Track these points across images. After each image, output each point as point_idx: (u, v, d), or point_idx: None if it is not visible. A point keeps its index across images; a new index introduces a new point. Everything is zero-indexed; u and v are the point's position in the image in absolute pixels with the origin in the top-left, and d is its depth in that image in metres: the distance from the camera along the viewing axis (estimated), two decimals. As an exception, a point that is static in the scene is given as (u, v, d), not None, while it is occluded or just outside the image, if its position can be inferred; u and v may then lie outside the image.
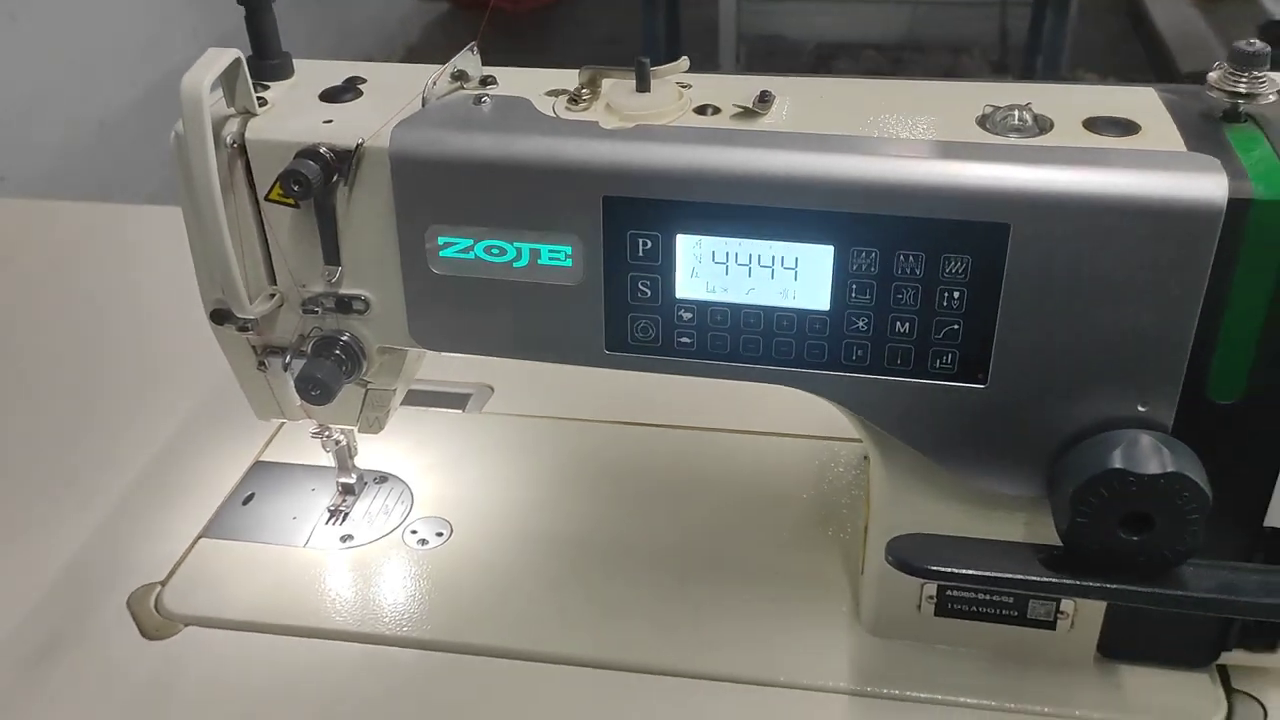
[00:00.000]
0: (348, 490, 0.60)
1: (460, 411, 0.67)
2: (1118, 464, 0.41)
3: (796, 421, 0.62)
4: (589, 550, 0.56)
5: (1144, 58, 2.90)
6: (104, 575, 0.55)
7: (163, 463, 0.63)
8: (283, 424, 0.64)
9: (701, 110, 0.45)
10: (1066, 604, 0.49)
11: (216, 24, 2.27)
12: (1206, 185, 0.39)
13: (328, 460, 0.60)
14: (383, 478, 0.61)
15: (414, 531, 0.58)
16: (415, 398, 0.66)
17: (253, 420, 0.63)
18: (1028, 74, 2.55)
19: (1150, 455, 0.41)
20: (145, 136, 2.10)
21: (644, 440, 0.64)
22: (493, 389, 0.69)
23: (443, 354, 0.58)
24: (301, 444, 0.63)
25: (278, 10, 0.47)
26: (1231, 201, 0.39)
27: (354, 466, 0.60)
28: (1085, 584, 0.43)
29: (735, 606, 0.53)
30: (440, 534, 0.58)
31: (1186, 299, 0.40)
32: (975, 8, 2.70)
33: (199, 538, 0.57)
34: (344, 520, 0.58)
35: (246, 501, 0.60)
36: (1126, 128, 0.43)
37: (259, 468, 0.62)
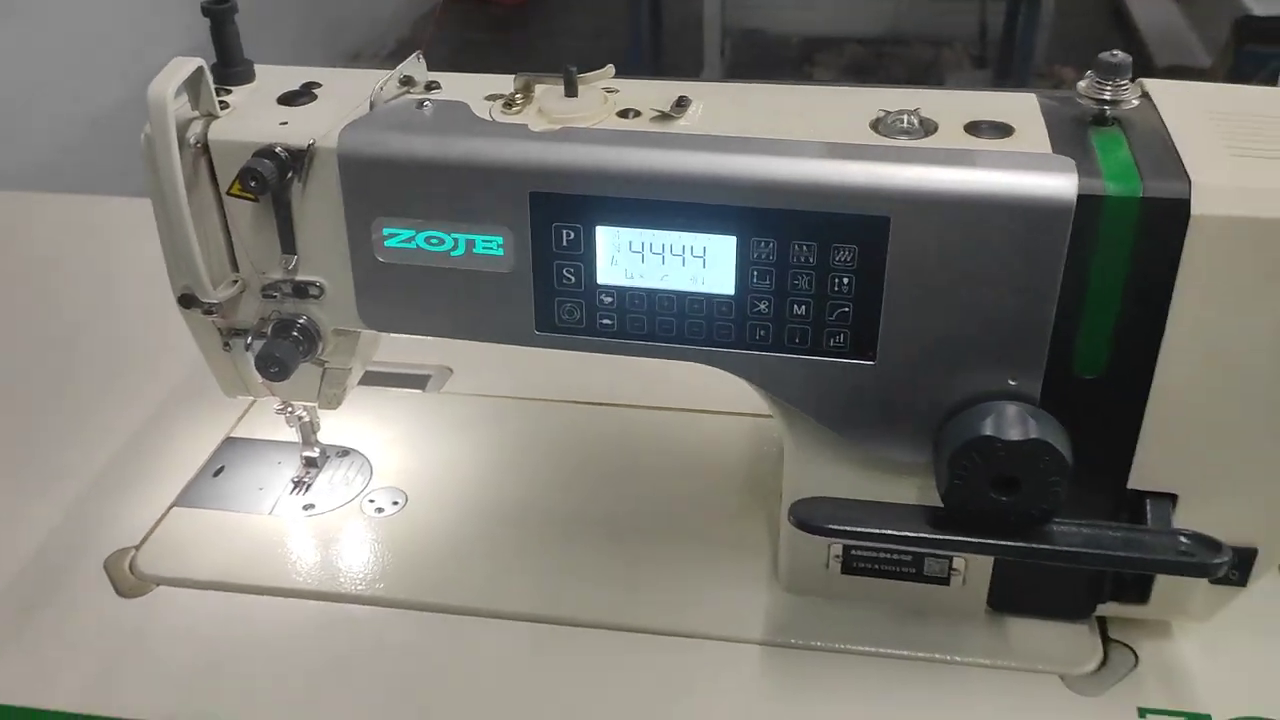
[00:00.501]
0: (311, 463, 0.64)
1: (420, 391, 0.72)
2: (987, 431, 0.46)
3: (731, 400, 0.67)
4: (533, 518, 0.61)
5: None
6: (83, 540, 0.60)
7: (140, 439, 0.68)
8: (253, 403, 0.69)
9: (624, 114, 0.49)
10: (958, 562, 0.53)
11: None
12: (1059, 183, 0.43)
13: (293, 436, 0.65)
14: (344, 451, 0.66)
15: (372, 500, 0.62)
16: (378, 378, 0.71)
17: (224, 400, 0.68)
18: (1005, 68, 2.60)
19: (1015, 423, 0.46)
20: (136, 134, 2.14)
21: (590, 418, 0.69)
22: (451, 370, 0.73)
23: (404, 337, 0.63)
24: (269, 421, 0.67)
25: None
26: (1083, 198, 0.43)
27: (317, 441, 0.64)
28: (961, 540, 0.48)
29: (665, 568, 0.58)
30: (396, 503, 0.62)
31: (1045, 285, 0.45)
32: (956, 3, 2.74)
33: (172, 506, 0.62)
34: (307, 490, 0.63)
35: (217, 474, 0.64)
36: (1002, 130, 0.47)
37: (229, 443, 0.67)
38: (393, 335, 0.60)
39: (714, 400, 0.68)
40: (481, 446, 0.66)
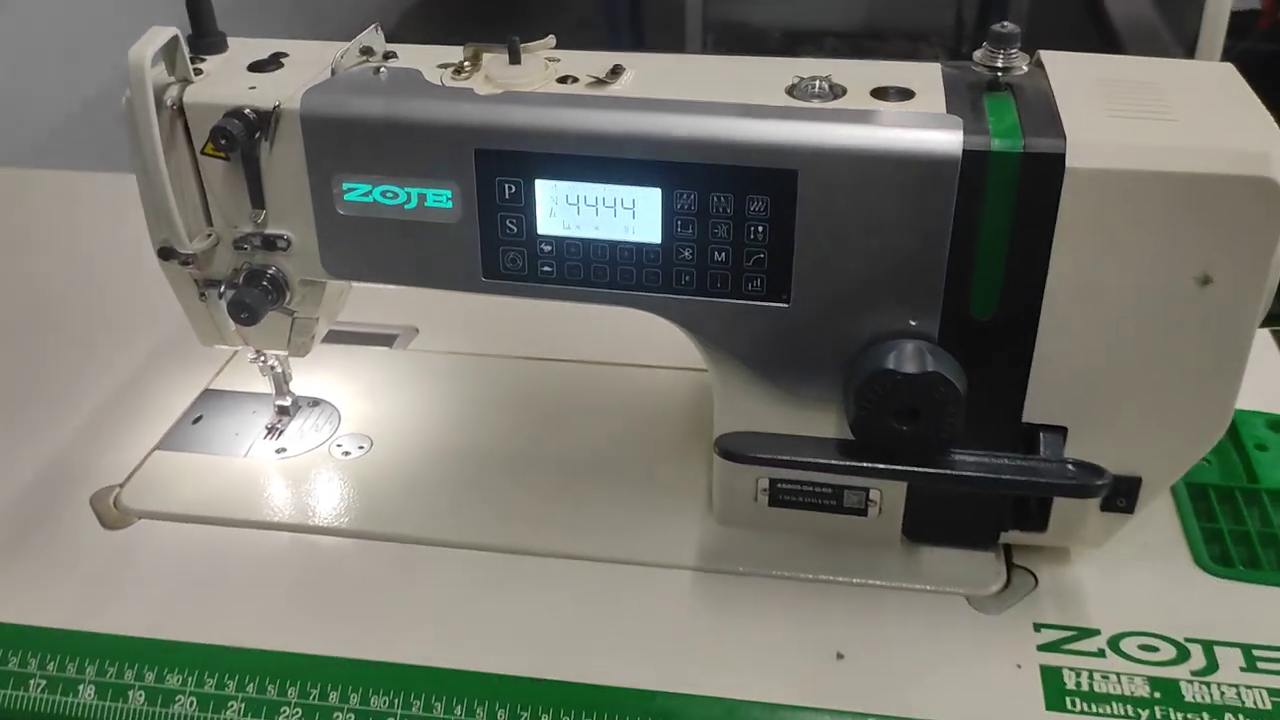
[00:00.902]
0: (283, 411, 0.69)
1: (388, 349, 0.76)
2: (888, 365, 0.50)
3: (671, 356, 0.72)
4: (489, 460, 0.66)
5: (1098, 45, 3.00)
6: (70, 479, 0.65)
7: (124, 390, 0.72)
8: (230, 358, 0.73)
9: (563, 80, 0.54)
10: (874, 494, 0.58)
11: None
12: (947, 139, 0.48)
13: (267, 387, 0.69)
14: (314, 402, 0.70)
15: (339, 445, 0.67)
16: (347, 337, 0.76)
17: (203, 355, 0.73)
18: (982, 61, 2.64)
19: (913, 359, 0.50)
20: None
21: (544, 372, 0.73)
22: (418, 330, 0.78)
23: (375, 299, 0.67)
24: (244, 376, 0.72)
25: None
26: (969, 153, 0.48)
27: (289, 391, 0.69)
28: (868, 466, 0.52)
29: (608, 503, 0.62)
30: (362, 447, 0.67)
31: (938, 232, 0.49)
32: (933, -4, 2.79)
33: (153, 450, 0.67)
34: (279, 436, 0.68)
35: (195, 422, 0.69)
36: (905, 95, 0.52)
37: (207, 395, 0.71)
38: (360, 292, 0.65)
39: (656, 356, 0.73)
40: (442, 398, 0.71)
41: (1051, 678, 0.52)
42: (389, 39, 0.58)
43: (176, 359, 0.75)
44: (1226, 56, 2.20)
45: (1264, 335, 0.76)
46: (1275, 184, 0.46)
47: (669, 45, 2.70)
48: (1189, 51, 2.57)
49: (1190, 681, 0.52)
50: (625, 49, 0.55)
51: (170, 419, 0.69)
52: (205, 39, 0.57)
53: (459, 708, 0.52)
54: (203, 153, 0.55)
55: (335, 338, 0.73)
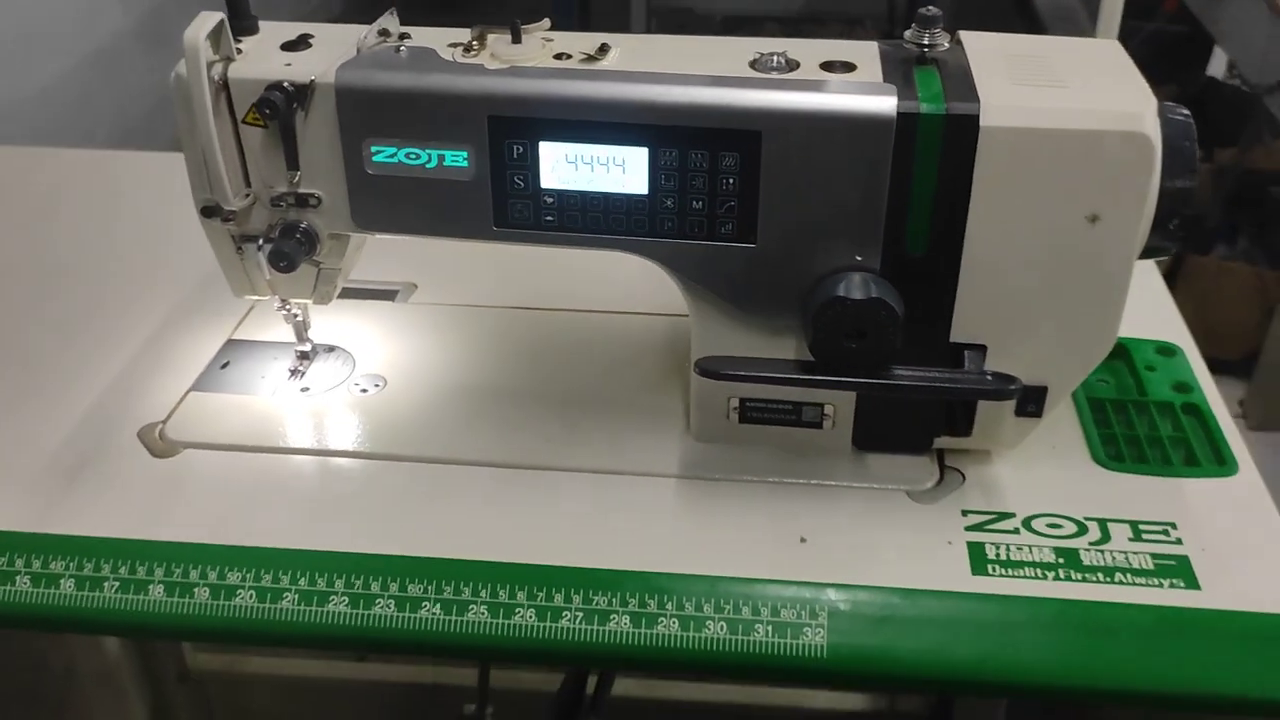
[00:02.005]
0: (303, 357, 0.77)
1: (391, 302, 0.85)
2: (839, 293, 0.61)
3: (654, 304, 0.81)
4: (492, 393, 0.75)
5: (1021, 28, 3.15)
6: (117, 418, 0.72)
7: (156, 341, 0.80)
8: (249, 310, 0.81)
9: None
10: (829, 408, 0.68)
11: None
12: (884, 104, 0.58)
13: (286, 336, 0.77)
14: (331, 348, 0.78)
15: (357, 384, 0.75)
16: (355, 293, 0.84)
17: (224, 309, 0.81)
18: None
19: (860, 287, 0.61)
20: (76, 105, 2.22)
21: (537, 319, 0.82)
22: (416, 285, 0.86)
23: (378, 258, 0.76)
24: (264, 326, 0.80)
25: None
26: (902, 115, 0.58)
27: (308, 338, 0.77)
28: (824, 379, 0.63)
29: (599, 424, 0.72)
30: (377, 385, 0.75)
31: (878, 182, 0.59)
32: (867, -17, 2.91)
33: (189, 391, 0.74)
34: (302, 378, 0.76)
35: (224, 367, 0.77)
36: (848, 67, 0.62)
37: (231, 344, 0.79)
38: (367, 257, 0.73)
39: (635, 304, 0.82)
40: (446, 343, 0.80)
41: (975, 551, 0.63)
42: (338, 22, 0.66)
43: (196, 314, 0.82)
44: (1137, 37, 2.36)
45: (1155, 275, 0.88)
46: (1147, 138, 0.57)
47: (613, 30, 2.79)
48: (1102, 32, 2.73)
49: (1088, 550, 0.63)
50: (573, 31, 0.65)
51: (200, 365, 0.77)
52: (242, 22, 0.65)
53: (484, 590, 0.61)
54: (244, 121, 0.63)
55: (343, 294, 0.81)
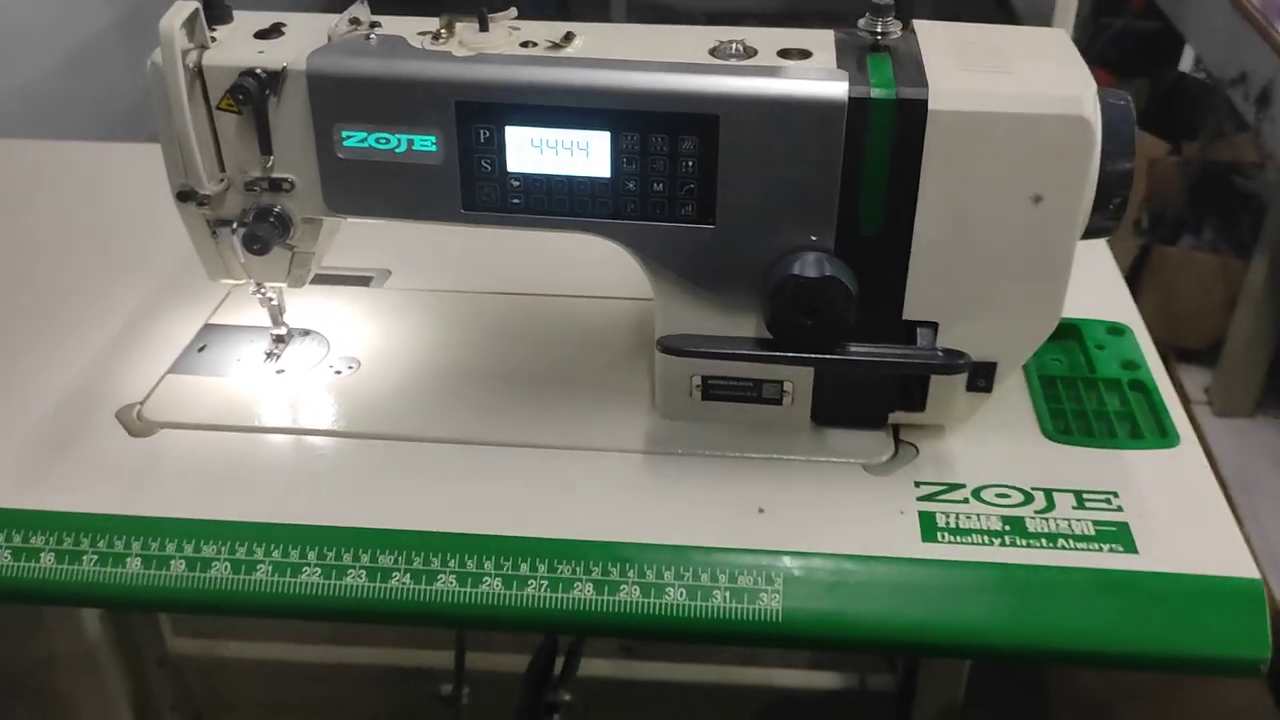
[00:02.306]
0: (279, 340, 0.79)
1: (366, 288, 0.87)
2: (794, 272, 0.63)
3: (621, 289, 0.83)
4: (463, 374, 0.77)
5: (1000, 18, 3.19)
6: (96, 398, 0.74)
7: (135, 324, 0.81)
8: (226, 295, 0.83)
9: (525, 44, 0.65)
10: (788, 385, 0.71)
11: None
12: (836, 88, 0.60)
13: (263, 320, 0.79)
14: (306, 331, 0.80)
15: (331, 366, 0.77)
16: (330, 279, 0.86)
17: (202, 295, 0.83)
18: (890, 41, 2.80)
19: (814, 266, 0.63)
20: (60, 101, 2.23)
21: (507, 303, 0.84)
22: (391, 271, 0.88)
23: (351, 242, 0.78)
24: (240, 311, 0.82)
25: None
26: (853, 99, 0.61)
27: (284, 322, 0.79)
28: (781, 355, 0.65)
29: (568, 403, 0.74)
30: (351, 367, 0.77)
31: (831, 164, 0.62)
32: (845, -21, 2.94)
33: (165, 374, 0.76)
34: (277, 360, 0.78)
35: (200, 350, 0.79)
36: (804, 54, 0.64)
37: (208, 328, 0.81)
38: (342, 243, 0.75)
39: (602, 289, 0.84)
40: (418, 327, 0.82)
41: (926, 519, 0.65)
42: (325, 9, 0.68)
43: (174, 299, 0.84)
44: (1106, 33, 2.40)
45: (1108, 258, 0.91)
46: (1087, 121, 0.60)
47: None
48: (1079, 27, 2.77)
49: (1033, 518, 0.66)
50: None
51: (177, 349, 0.79)
52: (214, 10, 0.66)
53: (453, 560, 0.63)
54: (218, 108, 0.65)
55: (319, 279, 0.83)
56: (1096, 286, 0.86)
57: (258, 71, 0.63)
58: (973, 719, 1.36)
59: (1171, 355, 1.77)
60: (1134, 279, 1.78)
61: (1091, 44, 2.51)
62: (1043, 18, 2.99)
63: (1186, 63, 2.20)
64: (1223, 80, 1.52)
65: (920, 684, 0.98)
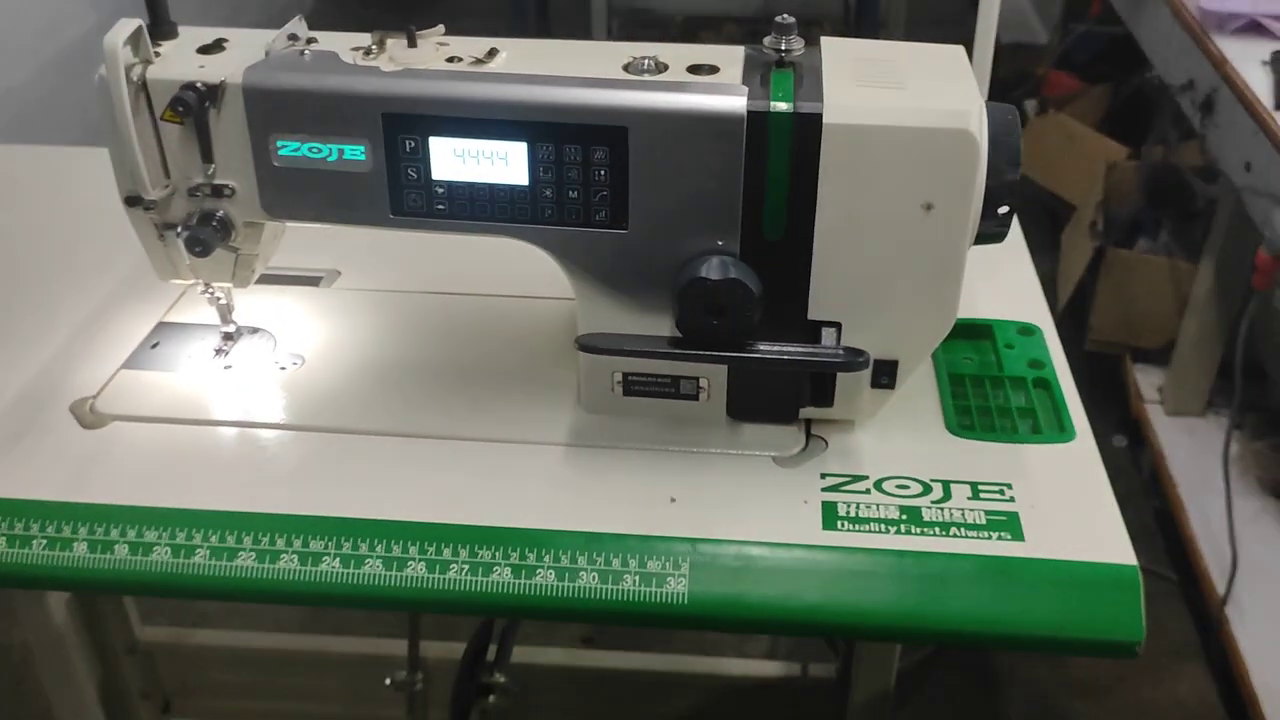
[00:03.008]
0: (228, 337, 0.83)
1: (315, 288, 0.91)
2: (700, 274, 0.67)
3: (549, 289, 0.87)
4: (401, 370, 0.81)
5: (971, 28, 3.23)
6: (50, 393, 0.78)
7: (88, 323, 0.85)
8: (180, 295, 0.87)
9: (450, 60, 0.69)
10: (703, 381, 0.75)
11: (113, 1, 2.43)
12: (735, 103, 0.64)
13: (213, 319, 0.83)
14: (254, 329, 0.84)
15: (277, 362, 0.81)
16: (280, 279, 0.90)
17: (156, 295, 0.87)
18: (867, 45, 2.85)
19: (719, 269, 0.67)
20: (42, 104, 2.27)
21: (446, 303, 0.88)
22: (340, 272, 0.92)
23: (302, 244, 0.82)
24: (193, 310, 0.86)
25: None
26: (752, 113, 0.65)
27: (233, 320, 0.83)
28: (689, 353, 0.69)
29: (496, 399, 0.78)
30: (295, 363, 0.81)
31: (732, 174, 0.66)
32: (823, -16, 2.98)
33: (119, 369, 0.80)
34: (226, 356, 0.82)
35: (154, 347, 0.83)
36: (711, 70, 0.68)
37: (162, 326, 0.85)
38: (290, 242, 0.79)
39: (532, 289, 0.88)
40: (363, 325, 0.86)
41: (829, 509, 0.69)
42: (310, 25, 0.72)
43: (131, 298, 0.88)
44: (1068, 38, 2.44)
45: (1025, 261, 0.95)
46: (972, 135, 0.64)
47: (575, 32, 2.85)
48: (1052, 33, 2.81)
49: (929, 507, 0.70)
50: (531, 36, 0.71)
51: (131, 345, 0.83)
52: (161, 27, 0.70)
53: (379, 546, 0.67)
54: (162, 119, 0.69)
55: (270, 279, 0.87)
56: (1012, 289, 0.90)
57: (198, 85, 0.67)
58: (921, 712, 1.40)
59: (1127, 355, 1.81)
60: (1090, 281, 1.82)
61: (1061, 49, 2.55)
62: (1020, 25, 3.03)
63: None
64: (1173, 86, 1.56)
65: (854, 672, 1.02)
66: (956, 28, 0.71)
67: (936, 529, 0.68)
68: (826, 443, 0.75)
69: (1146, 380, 1.77)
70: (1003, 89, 0.70)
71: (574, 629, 1.44)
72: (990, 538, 0.67)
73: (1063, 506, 0.70)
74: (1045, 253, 0.83)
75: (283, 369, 0.81)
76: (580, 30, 2.81)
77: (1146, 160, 1.93)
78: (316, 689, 1.22)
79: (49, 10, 2.30)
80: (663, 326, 0.72)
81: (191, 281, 0.77)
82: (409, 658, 1.06)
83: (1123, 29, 2.38)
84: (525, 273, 0.88)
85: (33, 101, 2.25)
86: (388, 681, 1.06)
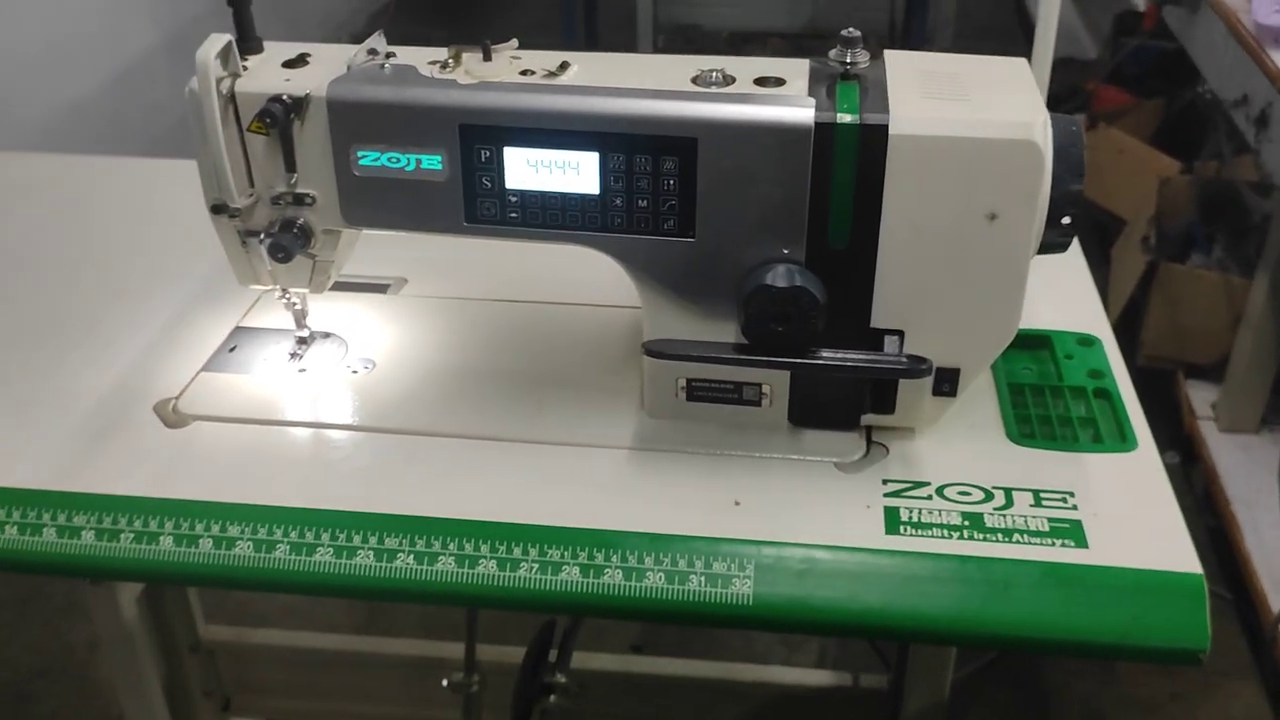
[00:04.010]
0: (302, 342, 0.85)
1: (383, 294, 0.93)
2: (766, 282, 0.68)
3: (613, 297, 0.89)
4: (469, 375, 0.83)
5: (1021, 42, 3.23)
6: (135, 394, 0.81)
7: (172, 326, 0.88)
8: (256, 300, 0.90)
9: (524, 72, 0.71)
10: (766, 387, 0.76)
11: (174, 17, 2.50)
12: (803, 114, 0.66)
13: (288, 324, 0.86)
14: (327, 334, 0.87)
15: (349, 366, 0.84)
16: (351, 286, 0.92)
17: (233, 301, 0.90)
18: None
19: (784, 277, 0.68)
20: (113, 118, 2.34)
21: (513, 310, 0.91)
22: (407, 280, 0.95)
23: (371, 253, 0.84)
24: (268, 315, 0.89)
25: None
26: (819, 125, 0.66)
27: (306, 325, 0.85)
28: (755, 359, 0.70)
29: (564, 403, 0.80)
30: (367, 367, 0.84)
31: (800, 183, 0.67)
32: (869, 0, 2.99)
33: (199, 372, 0.83)
34: (300, 360, 0.84)
35: (231, 350, 0.86)
36: (778, 83, 0.70)
37: (239, 331, 0.88)
38: (359, 250, 0.82)
39: (596, 297, 0.90)
40: (431, 331, 0.88)
41: (891, 514, 0.70)
42: (359, 39, 0.75)
43: (208, 303, 0.91)
44: (1121, 53, 2.43)
45: (1084, 272, 0.95)
46: (1037, 146, 0.65)
47: (621, 46, 2.88)
48: (1101, 48, 2.80)
49: (992, 514, 0.70)
50: (580, 50, 0.73)
51: (210, 349, 0.86)
52: (247, 42, 0.74)
53: (452, 544, 0.69)
54: (248, 130, 0.72)
55: (341, 286, 0.89)
56: (1070, 299, 0.90)
57: (284, 98, 0.70)
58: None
59: (1179, 371, 1.80)
60: (1142, 295, 1.81)
61: (1111, 63, 2.53)
62: (1068, 40, 3.03)
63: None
64: (1227, 101, 1.56)
65: (907, 684, 1.02)
66: (1002, 41, 0.72)
67: (999, 535, 0.69)
68: (887, 449, 0.76)
69: (1199, 396, 1.76)
70: (1052, 103, 0.71)
71: (623, 636, 1.45)
72: (1054, 544, 0.68)
73: (1126, 515, 0.70)
74: (1095, 268, 0.83)
75: (354, 373, 0.83)
76: (627, 45, 2.85)
77: (1199, 175, 1.92)
78: (373, 689, 1.24)
79: (111, 26, 2.37)
80: (727, 333, 0.73)
81: (270, 287, 0.80)
82: (466, 660, 1.08)
83: (1174, 44, 2.37)
84: (584, 280, 0.91)
85: (96, 115, 2.32)
86: (444, 683, 1.08)
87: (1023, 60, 0.74)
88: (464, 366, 0.84)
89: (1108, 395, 0.80)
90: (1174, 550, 0.68)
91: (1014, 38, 3.25)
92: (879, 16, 3.00)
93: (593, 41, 2.83)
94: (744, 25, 3.12)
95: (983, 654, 1.46)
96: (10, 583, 1.62)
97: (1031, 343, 0.85)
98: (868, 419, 0.77)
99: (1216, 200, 1.84)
